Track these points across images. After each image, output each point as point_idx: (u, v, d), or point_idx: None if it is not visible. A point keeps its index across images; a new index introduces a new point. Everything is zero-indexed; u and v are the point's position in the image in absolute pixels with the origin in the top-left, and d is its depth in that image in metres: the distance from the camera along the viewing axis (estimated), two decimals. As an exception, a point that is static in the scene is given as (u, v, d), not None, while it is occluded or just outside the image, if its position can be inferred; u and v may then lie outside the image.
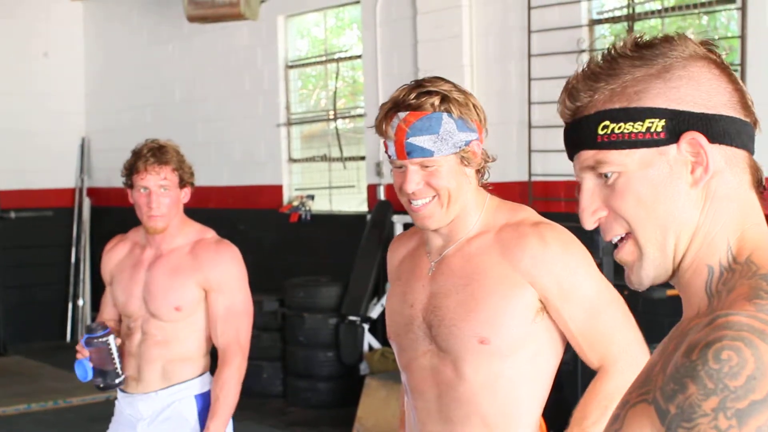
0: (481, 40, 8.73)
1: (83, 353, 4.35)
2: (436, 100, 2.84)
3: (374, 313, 9.17)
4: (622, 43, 1.70)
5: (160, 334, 4.40)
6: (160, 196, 4.35)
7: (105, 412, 4.66)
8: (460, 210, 2.91)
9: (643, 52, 1.67)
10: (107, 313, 4.68)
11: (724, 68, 1.68)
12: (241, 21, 10.47)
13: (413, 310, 3.00)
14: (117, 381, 4.38)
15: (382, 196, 9.65)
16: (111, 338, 4.32)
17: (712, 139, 1.62)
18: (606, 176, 1.67)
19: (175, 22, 11.76)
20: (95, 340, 4.31)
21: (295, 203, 10.71)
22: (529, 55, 8.35)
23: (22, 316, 12.75)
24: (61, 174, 13.41)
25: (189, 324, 4.41)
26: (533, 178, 8.37)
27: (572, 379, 6.96)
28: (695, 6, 7.52)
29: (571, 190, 8.13)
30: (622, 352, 2.83)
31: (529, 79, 8.32)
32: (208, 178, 11.46)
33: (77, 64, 13.63)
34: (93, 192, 13.35)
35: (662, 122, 1.63)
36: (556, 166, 8.22)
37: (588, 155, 1.68)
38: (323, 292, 9.49)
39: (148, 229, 4.43)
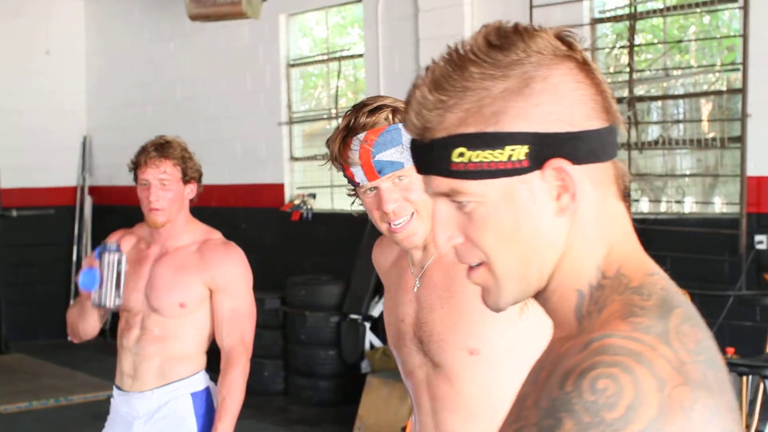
0: (482, 39, 8.72)
1: (93, 263, 4.24)
2: (389, 114, 2.79)
3: (375, 312, 9.17)
4: (471, 44, 1.51)
5: (160, 330, 4.39)
6: (160, 189, 4.33)
7: (106, 410, 4.63)
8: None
9: (497, 58, 1.49)
10: None
11: (586, 68, 1.54)
12: (242, 19, 10.47)
13: (404, 325, 2.96)
14: (116, 303, 4.25)
15: (383, 194, 9.63)
16: (124, 258, 4.23)
17: (578, 160, 1.49)
18: (462, 203, 1.52)
19: (176, 20, 11.76)
20: (109, 255, 4.21)
21: (297, 202, 10.72)
22: (531, 54, 8.33)
23: (24, 314, 12.76)
24: (63, 172, 13.41)
25: (189, 322, 4.40)
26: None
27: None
28: (697, 5, 7.52)
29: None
30: None
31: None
32: (209, 176, 11.37)
33: (79, 62, 13.63)
34: (95, 190, 13.35)
35: (525, 149, 1.47)
36: (557, 164, 8.21)
37: (442, 182, 1.52)
38: (324, 290, 9.50)
39: (148, 223, 4.42)
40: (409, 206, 2.79)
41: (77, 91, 13.61)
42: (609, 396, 1.33)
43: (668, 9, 7.72)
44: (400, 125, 2.77)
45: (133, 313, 4.46)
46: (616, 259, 1.52)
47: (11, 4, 12.92)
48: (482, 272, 1.55)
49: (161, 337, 4.39)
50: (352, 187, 2.89)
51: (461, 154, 1.49)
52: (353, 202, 3.01)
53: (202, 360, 4.49)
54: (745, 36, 7.10)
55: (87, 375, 10.87)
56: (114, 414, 4.57)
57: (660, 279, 1.51)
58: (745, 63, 7.11)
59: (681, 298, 1.50)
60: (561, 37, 1.54)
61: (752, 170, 7.15)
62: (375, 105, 2.82)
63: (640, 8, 7.89)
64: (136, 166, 4.40)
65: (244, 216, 11.20)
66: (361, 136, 2.77)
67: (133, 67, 12.93)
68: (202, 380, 4.47)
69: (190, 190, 4.45)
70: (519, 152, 1.47)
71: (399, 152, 2.76)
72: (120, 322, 4.55)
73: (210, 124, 11.72)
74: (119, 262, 4.21)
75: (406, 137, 2.72)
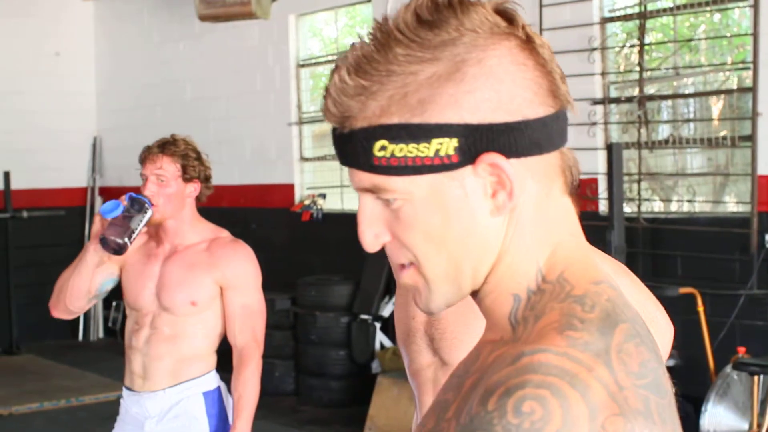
0: (492, 38, 8.72)
1: (122, 200, 4.19)
2: None
3: (386, 312, 9.17)
4: (398, 19, 1.35)
5: (170, 330, 4.38)
6: (155, 184, 4.30)
7: (117, 410, 4.63)
8: None
9: (425, 37, 1.33)
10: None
11: (529, 46, 1.37)
12: (252, 20, 10.47)
13: (415, 322, 2.94)
14: (122, 242, 4.10)
15: (393, 194, 9.64)
16: (149, 213, 4.19)
17: (517, 153, 1.33)
18: (388, 200, 1.37)
19: (186, 21, 11.76)
20: (140, 202, 4.19)
21: (307, 202, 10.71)
22: (541, 53, 8.32)
23: (35, 315, 12.73)
24: (73, 173, 13.43)
25: (200, 320, 4.39)
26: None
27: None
28: (707, 3, 7.51)
29: (583, 188, 8.12)
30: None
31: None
32: (219, 177, 11.38)
33: (89, 63, 13.65)
34: (105, 191, 13.36)
35: (454, 142, 1.31)
36: (568, 164, 8.20)
37: (364, 177, 1.37)
38: (335, 290, 9.50)
39: None
40: None
41: (87, 92, 13.63)
42: (534, 421, 1.19)
43: (678, 8, 7.70)
44: None
45: (143, 312, 4.44)
46: (560, 261, 1.38)
47: (21, 6, 12.94)
48: (412, 273, 1.41)
49: (172, 337, 4.38)
50: None
51: (383, 148, 1.33)
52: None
53: (213, 359, 4.48)
54: (755, 34, 7.08)
55: (97, 375, 10.88)
56: (124, 414, 4.56)
57: (606, 288, 1.35)
58: (755, 61, 7.09)
59: (629, 312, 1.35)
60: (501, 11, 1.37)
61: (763, 169, 7.13)
62: None
63: (650, 7, 7.88)
64: (140, 162, 4.39)
65: (254, 216, 11.20)
66: None
67: (142, 68, 12.94)
68: (213, 379, 4.47)
69: (193, 189, 4.40)
70: (448, 146, 1.31)
71: None
72: (128, 322, 4.53)
73: (220, 124, 11.72)
74: (143, 215, 4.18)
75: None
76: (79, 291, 4.39)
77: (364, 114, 1.34)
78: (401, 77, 1.32)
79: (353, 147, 1.36)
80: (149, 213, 4.21)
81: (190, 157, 4.37)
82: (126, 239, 4.13)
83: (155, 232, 4.51)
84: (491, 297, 1.41)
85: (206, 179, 4.45)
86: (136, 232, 4.16)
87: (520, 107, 1.33)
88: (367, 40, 1.38)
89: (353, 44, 1.39)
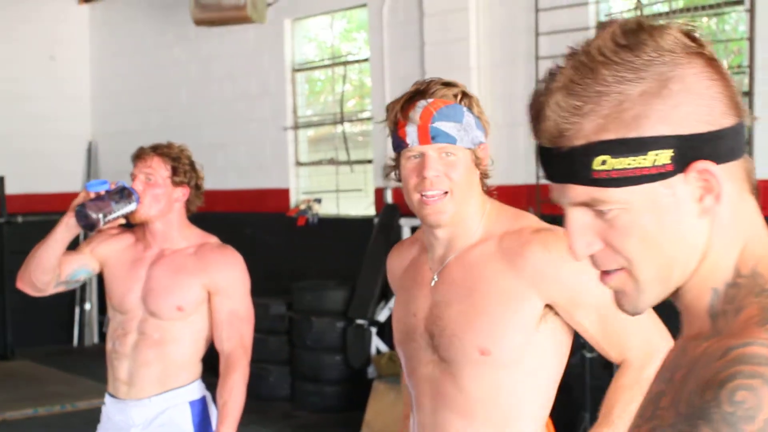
0: (488, 43, 8.72)
1: (111, 184, 4.26)
2: (459, 93, 2.85)
3: (381, 317, 9.16)
4: (597, 45, 1.48)
5: (158, 335, 4.34)
6: (142, 183, 4.30)
7: (110, 417, 4.61)
8: (464, 213, 2.88)
9: (628, 59, 1.46)
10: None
11: (715, 65, 1.50)
12: (247, 24, 10.47)
13: (416, 319, 2.97)
14: (96, 217, 4.14)
15: (389, 199, 9.64)
16: (133, 205, 4.22)
17: (719, 159, 1.47)
18: (602, 211, 1.49)
19: (181, 25, 11.76)
20: (128, 192, 4.21)
21: (303, 207, 10.71)
22: (537, 58, 8.33)
23: (29, 321, 12.74)
24: (68, 178, 13.41)
25: (187, 325, 4.36)
26: (541, 181, 8.35)
27: (580, 381, 6.95)
28: (703, 8, 7.50)
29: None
30: (641, 344, 2.79)
31: (537, 82, 8.28)
32: (214, 181, 11.43)
33: (84, 67, 13.65)
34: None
35: (669, 152, 1.44)
36: (563, 168, 8.20)
37: (581, 191, 1.49)
38: (330, 295, 9.50)
39: (128, 216, 4.37)
40: (447, 182, 2.82)
41: (82, 97, 13.63)
42: (747, 409, 1.31)
43: (674, 12, 7.70)
44: (465, 109, 2.84)
45: (129, 316, 4.41)
46: (751, 256, 1.50)
47: (17, 10, 12.94)
48: (621, 276, 1.52)
49: (160, 342, 4.35)
50: (395, 154, 2.92)
51: (603, 162, 1.45)
52: (387, 174, 3.03)
53: (199, 367, 4.47)
54: (751, 39, 7.08)
55: (92, 381, 10.85)
56: (106, 422, 4.52)
57: None
58: (751, 66, 7.09)
59: None
60: (686, 33, 1.51)
61: (761, 173, 7.08)
62: (450, 81, 2.88)
63: (646, 11, 7.88)
64: (133, 161, 4.39)
65: (249, 221, 11.19)
66: (429, 100, 2.82)
67: (138, 73, 12.94)
68: (199, 388, 4.45)
69: (182, 194, 4.38)
70: (663, 156, 1.44)
71: (456, 129, 2.81)
72: (111, 326, 4.49)
73: (215, 129, 11.72)
74: (127, 204, 4.20)
75: (467, 120, 2.82)
76: (45, 264, 4.36)
77: (581, 132, 1.46)
78: (613, 96, 1.45)
79: (570, 164, 1.48)
80: (133, 205, 4.22)
81: (182, 162, 4.36)
82: (100, 216, 4.15)
83: (143, 235, 4.48)
84: (693, 292, 1.52)
85: (197, 187, 4.44)
86: (113, 215, 4.17)
87: (717, 118, 1.47)
88: (567, 67, 1.49)
89: (552, 70, 1.51)
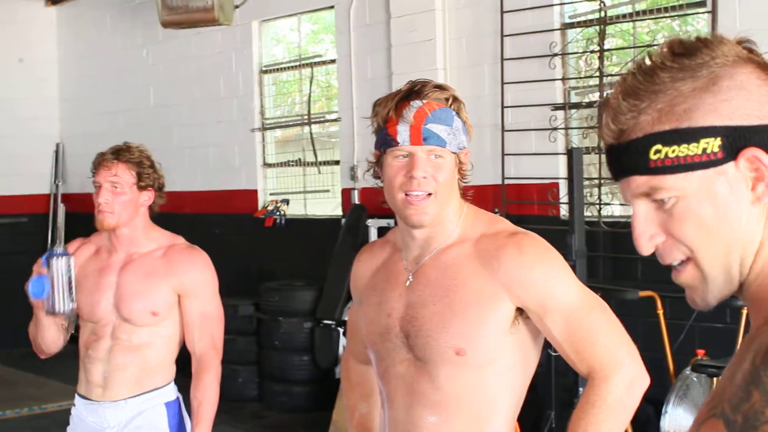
0: (454, 44, 8.77)
1: (41, 271, 4.18)
2: (450, 97, 2.89)
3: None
4: (657, 53, 1.60)
5: (134, 340, 4.33)
6: (109, 191, 4.28)
7: (80, 418, 4.61)
8: (444, 215, 2.91)
9: (683, 62, 1.57)
10: None
11: (766, 69, 1.60)
12: (215, 26, 10.47)
13: (390, 319, 2.99)
14: (70, 307, 4.14)
15: (356, 200, 9.67)
16: (72, 262, 4.15)
17: None
18: (662, 201, 1.58)
19: (149, 27, 11.76)
20: (57, 260, 4.13)
21: (270, 208, 10.73)
22: (502, 59, 8.38)
23: (-3, 323, 12.72)
24: (36, 180, 13.38)
25: (161, 328, 4.35)
26: (506, 182, 8.41)
27: (546, 380, 7.00)
28: (666, 9, 7.58)
29: (544, 193, 8.18)
30: (607, 355, 2.79)
31: (503, 83, 8.36)
32: (182, 183, 11.45)
33: (52, 69, 13.62)
34: (68, 198, 13.30)
35: (718, 141, 1.54)
36: (528, 169, 8.26)
37: (641, 181, 1.59)
38: (298, 296, 9.52)
39: (96, 225, 4.36)
40: (433, 184, 2.84)
41: (50, 99, 13.59)
42: None
43: (638, 13, 7.77)
44: (454, 113, 2.87)
45: (102, 323, 4.38)
46: None
47: (-17, 12, 12.90)
48: (689, 270, 1.60)
49: (135, 347, 4.33)
50: (377, 153, 2.93)
51: (657, 151, 1.56)
52: (367, 170, 3.05)
53: (173, 369, 4.45)
54: (713, 40, 7.14)
55: (61, 383, 10.83)
56: (78, 423, 4.49)
57: None
58: (713, 67, 7.15)
59: None
60: (739, 42, 1.61)
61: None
62: (442, 84, 2.92)
63: (610, 13, 7.94)
64: (93, 169, 4.37)
65: (217, 222, 11.20)
66: (424, 101, 2.85)
67: (106, 75, 12.91)
68: (173, 390, 4.44)
69: (148, 198, 4.37)
70: (713, 144, 1.54)
71: (447, 132, 2.85)
72: (83, 332, 4.46)
73: (183, 130, 11.72)
74: (68, 267, 4.14)
75: (455, 124, 2.85)
76: (51, 341, 4.40)
77: (639, 126, 1.58)
78: (668, 93, 1.56)
79: (630, 156, 1.59)
80: (71, 259, 4.17)
81: (145, 164, 4.35)
82: (70, 303, 4.15)
83: (106, 241, 4.47)
84: (757, 283, 1.58)
85: (160, 188, 4.42)
86: (73, 282, 4.14)
87: (766, 114, 1.55)
88: (630, 75, 1.61)
89: (619, 79, 1.64)
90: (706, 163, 1.54)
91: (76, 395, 4.51)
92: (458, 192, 2.96)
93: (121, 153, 4.33)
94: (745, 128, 1.54)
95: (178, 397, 4.45)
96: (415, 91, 2.87)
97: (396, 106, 2.86)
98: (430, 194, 2.85)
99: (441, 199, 2.86)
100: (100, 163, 4.34)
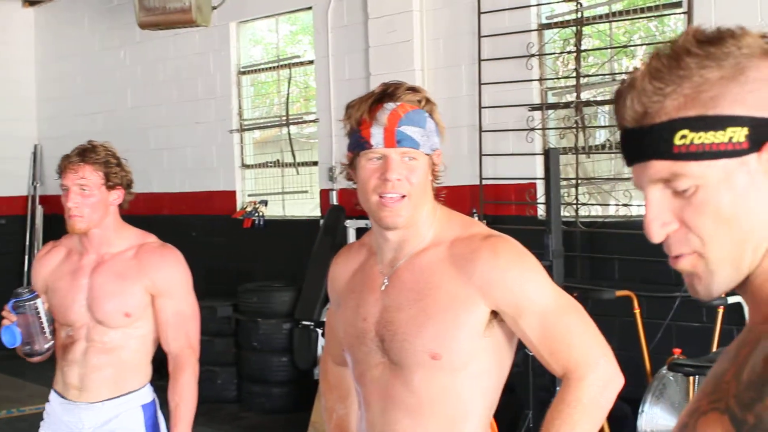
0: (432, 45, 8.79)
1: (10, 318, 4.17)
2: (423, 99, 2.89)
3: (328, 318, 9.17)
4: (683, 39, 1.58)
5: (108, 342, 4.30)
6: (79, 195, 4.23)
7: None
8: (417, 217, 2.91)
9: (709, 50, 1.54)
10: None
11: None
12: (193, 27, 10.47)
13: (366, 323, 2.99)
14: (46, 347, 4.20)
15: (334, 201, 9.68)
16: (39, 302, 4.15)
17: None
18: (681, 188, 1.55)
19: (127, 28, 11.74)
20: (23, 304, 4.12)
21: (249, 209, 10.73)
22: (480, 60, 8.40)
23: (-25, 325, 12.67)
24: (14, 181, 13.35)
25: (136, 329, 4.32)
26: (484, 182, 8.42)
27: (524, 380, 7.02)
28: (642, 10, 7.61)
29: (521, 193, 8.20)
30: (581, 356, 2.80)
31: (480, 84, 8.37)
32: (160, 184, 11.44)
33: (29, 70, 13.59)
34: (46, 199, 13.30)
35: (744, 131, 1.51)
36: (506, 169, 8.28)
37: (662, 166, 1.56)
38: (277, 297, 9.51)
39: (68, 229, 4.31)
40: (407, 186, 2.84)
41: (28, 99, 13.56)
42: None
43: (614, 14, 7.80)
44: (427, 115, 2.88)
45: (76, 326, 4.35)
46: None
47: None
48: (693, 259, 1.57)
49: (111, 348, 4.31)
50: (350, 155, 2.93)
51: (683, 137, 1.53)
52: (340, 173, 3.06)
53: (149, 370, 4.43)
54: (689, 41, 7.18)
55: (38, 386, 10.79)
56: (54, 419, 4.47)
57: None
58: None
59: None
60: (763, 36, 1.59)
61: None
62: (415, 87, 2.92)
63: (587, 14, 7.97)
64: (59, 172, 4.32)
65: (195, 223, 11.19)
66: (397, 103, 2.85)
67: (84, 76, 12.89)
68: (150, 392, 4.42)
69: (117, 197, 4.33)
70: (739, 134, 1.51)
71: (420, 134, 2.85)
72: (58, 335, 4.41)
73: (161, 131, 11.71)
74: (35, 308, 4.14)
75: (429, 126, 2.86)
76: (48, 352, 4.36)
77: (663, 110, 1.55)
78: (693, 80, 1.54)
79: (652, 139, 1.56)
80: (39, 298, 4.17)
81: (112, 163, 4.30)
82: (47, 342, 4.18)
83: (76, 242, 4.43)
84: (763, 277, 1.57)
85: (128, 185, 4.38)
86: (45, 323, 4.15)
87: None
88: (654, 59, 1.59)
89: (643, 62, 1.61)
90: (731, 152, 1.52)
91: (52, 391, 4.49)
92: (431, 194, 2.96)
93: (86, 154, 4.27)
94: None
95: (154, 399, 4.42)
96: (388, 93, 2.87)
97: (369, 109, 2.85)
98: (404, 196, 2.84)
99: (415, 200, 2.86)
100: (65, 166, 4.28)
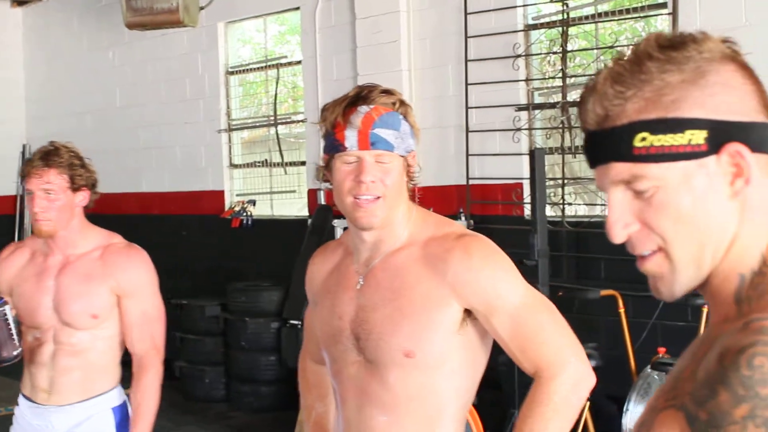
0: (419, 45, 8.82)
1: None
2: (397, 101, 2.92)
3: (316, 317, 9.19)
4: (644, 44, 1.61)
5: (77, 343, 4.28)
6: (45, 199, 4.20)
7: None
8: (392, 218, 2.94)
9: (671, 54, 1.59)
10: None
11: (747, 69, 1.63)
12: (181, 28, 10.48)
13: (342, 322, 3.02)
14: (14, 353, 4.15)
15: (322, 200, 9.70)
16: (7, 308, 4.11)
17: (752, 148, 1.57)
18: (641, 190, 1.59)
19: (115, 28, 11.75)
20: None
21: (237, 208, 10.74)
22: (466, 60, 8.43)
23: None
24: (2, 181, 13.34)
25: (103, 330, 4.30)
26: (471, 182, 8.46)
27: (509, 378, 7.05)
28: (628, 11, 7.65)
29: (508, 193, 8.23)
30: (552, 354, 2.83)
31: (467, 84, 8.41)
32: (149, 184, 11.46)
33: (18, 70, 13.58)
34: (34, 199, 13.28)
35: (704, 133, 1.55)
36: (492, 169, 8.31)
37: (622, 168, 1.60)
38: (265, 296, 9.53)
39: (35, 233, 4.31)
40: (381, 188, 2.87)
41: (17, 99, 13.56)
42: (765, 373, 1.41)
43: (600, 15, 7.83)
44: (402, 117, 2.90)
45: (44, 329, 4.33)
46: None
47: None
48: (657, 259, 1.61)
49: (79, 351, 4.29)
50: (326, 157, 2.95)
51: (643, 139, 1.57)
52: (316, 176, 3.08)
53: (119, 371, 4.41)
54: (674, 41, 7.21)
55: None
56: (23, 423, 4.45)
57: None
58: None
59: None
60: (723, 41, 1.63)
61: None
62: (389, 89, 2.95)
63: (573, 14, 8.00)
64: (23, 176, 4.29)
65: (184, 223, 11.19)
66: (371, 106, 2.88)
67: (72, 76, 12.89)
68: (120, 394, 4.41)
69: (82, 198, 4.30)
70: (698, 136, 1.55)
71: (394, 136, 2.87)
72: (25, 337, 4.36)
73: (150, 131, 11.72)
74: (5, 315, 4.11)
75: (403, 128, 2.89)
76: (18, 355, 4.30)
77: (624, 113, 1.59)
78: (655, 83, 1.58)
79: (613, 142, 1.60)
80: (7, 305, 4.13)
81: (76, 165, 4.27)
82: (15, 349, 4.14)
83: (41, 244, 4.40)
84: (720, 277, 1.61)
85: (93, 185, 4.34)
86: (14, 331, 4.12)
87: (749, 112, 1.59)
88: (615, 63, 1.63)
89: (603, 67, 1.66)
90: (690, 154, 1.56)
91: (21, 396, 4.47)
92: (407, 195, 2.99)
93: (50, 158, 4.24)
94: (729, 123, 1.56)
95: (125, 401, 4.41)
96: (362, 96, 2.90)
97: (344, 112, 2.88)
98: (378, 197, 2.88)
99: (389, 201, 2.90)
100: (29, 171, 4.24)
